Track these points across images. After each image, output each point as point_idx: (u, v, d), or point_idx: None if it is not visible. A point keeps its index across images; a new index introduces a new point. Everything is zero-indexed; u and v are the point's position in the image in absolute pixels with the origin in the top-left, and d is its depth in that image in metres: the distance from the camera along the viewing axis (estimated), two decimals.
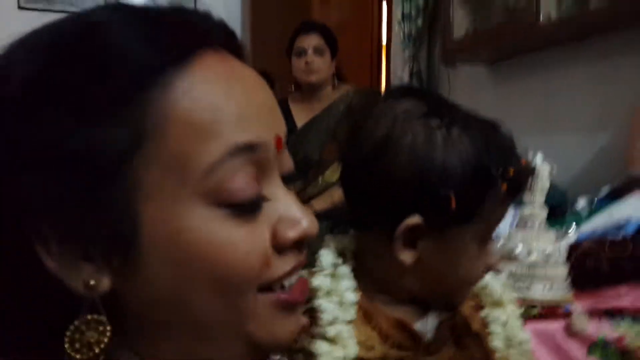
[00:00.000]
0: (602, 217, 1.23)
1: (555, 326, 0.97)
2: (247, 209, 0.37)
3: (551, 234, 1.04)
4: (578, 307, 0.97)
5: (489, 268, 0.60)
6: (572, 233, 1.16)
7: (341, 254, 0.61)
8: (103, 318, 0.36)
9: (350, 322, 0.56)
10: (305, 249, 0.42)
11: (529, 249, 1.01)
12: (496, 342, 0.59)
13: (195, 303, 0.37)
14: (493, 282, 0.62)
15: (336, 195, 1.82)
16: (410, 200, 0.55)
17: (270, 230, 0.39)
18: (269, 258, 0.38)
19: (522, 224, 1.05)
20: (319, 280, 0.58)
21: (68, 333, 0.35)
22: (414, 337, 0.58)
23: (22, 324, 0.38)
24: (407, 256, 0.56)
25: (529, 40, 2.01)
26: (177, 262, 0.36)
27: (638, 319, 0.97)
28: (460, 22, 2.30)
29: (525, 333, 0.61)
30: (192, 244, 0.36)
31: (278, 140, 0.40)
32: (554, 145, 1.61)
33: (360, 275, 0.60)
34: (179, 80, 0.36)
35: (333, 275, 0.59)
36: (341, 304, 0.56)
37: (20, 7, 3.25)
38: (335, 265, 0.59)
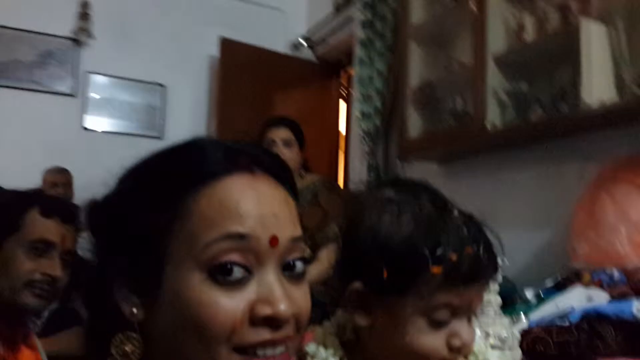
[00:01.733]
0: (549, 307, 1.35)
1: None
2: (227, 281, 0.50)
3: (505, 320, 1.13)
4: None
5: (454, 349, 0.67)
6: (523, 320, 1.27)
7: (343, 327, 0.72)
8: (137, 335, 0.52)
9: None
10: (285, 328, 0.51)
11: (486, 333, 1.10)
12: None
13: (185, 343, 0.50)
14: (492, 357, 0.72)
15: None
16: (358, 269, 0.67)
17: (249, 304, 0.50)
18: (237, 323, 0.49)
19: (479, 310, 1.14)
20: (309, 347, 0.69)
21: (114, 341, 0.52)
22: None
23: (96, 332, 0.56)
24: (360, 318, 0.68)
25: (476, 144, 2.22)
26: (176, 309, 0.50)
27: None
28: (414, 123, 2.51)
29: None
30: (185, 298, 0.50)
31: (272, 238, 0.52)
32: (502, 241, 1.74)
33: (357, 347, 0.70)
34: (207, 189, 0.52)
35: (324, 345, 0.70)
36: None
37: None
38: (326, 339, 0.70)
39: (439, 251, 0.63)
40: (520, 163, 2.13)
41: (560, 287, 1.52)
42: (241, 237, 0.50)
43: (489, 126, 2.06)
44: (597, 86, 1.75)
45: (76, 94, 3.54)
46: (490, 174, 2.26)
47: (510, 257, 1.83)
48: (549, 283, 1.60)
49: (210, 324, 0.48)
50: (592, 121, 1.79)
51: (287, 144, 2.27)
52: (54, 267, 1.17)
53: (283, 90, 3.47)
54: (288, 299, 0.51)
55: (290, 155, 2.25)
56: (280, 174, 0.57)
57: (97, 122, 3.57)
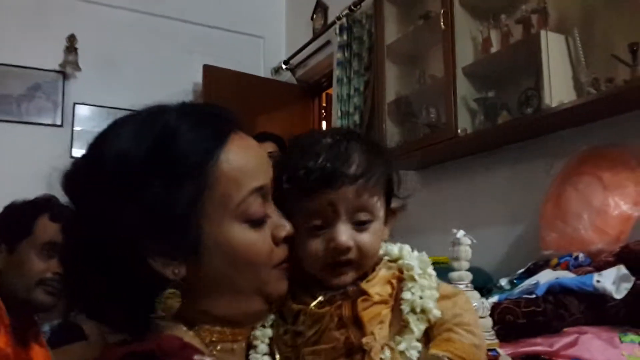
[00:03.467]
0: (518, 288, 1.44)
1: None
2: (259, 223, 0.65)
3: (476, 293, 1.23)
4: (503, 352, 1.14)
5: (332, 250, 0.73)
6: (495, 298, 1.36)
7: None
8: (179, 292, 0.62)
9: None
10: (290, 243, 0.69)
11: None
12: (403, 306, 0.73)
13: (235, 276, 0.64)
14: (412, 260, 0.77)
15: None
16: None
17: (271, 232, 0.66)
18: (272, 249, 0.66)
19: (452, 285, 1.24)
20: None
21: (158, 300, 0.61)
22: (314, 297, 0.74)
23: (129, 300, 0.62)
24: None
25: (450, 150, 2.35)
26: (223, 255, 0.62)
27: None
28: (391, 134, 2.63)
29: (431, 304, 0.73)
30: (231, 245, 0.63)
31: (271, 180, 0.67)
32: (479, 238, 1.84)
33: None
34: (222, 154, 0.62)
35: None
36: None
37: None
38: None
39: (290, 172, 0.73)
40: (491, 164, 2.26)
41: (531, 272, 1.61)
42: (261, 188, 0.65)
43: (460, 132, 2.18)
44: (557, 89, 1.89)
45: (64, 124, 3.63)
46: (465, 176, 2.38)
47: (487, 253, 1.94)
48: (521, 271, 1.70)
49: (256, 257, 0.64)
50: (554, 121, 1.93)
51: (273, 157, 2.37)
52: None
53: (265, 113, 3.58)
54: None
55: None
56: (242, 123, 0.68)
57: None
